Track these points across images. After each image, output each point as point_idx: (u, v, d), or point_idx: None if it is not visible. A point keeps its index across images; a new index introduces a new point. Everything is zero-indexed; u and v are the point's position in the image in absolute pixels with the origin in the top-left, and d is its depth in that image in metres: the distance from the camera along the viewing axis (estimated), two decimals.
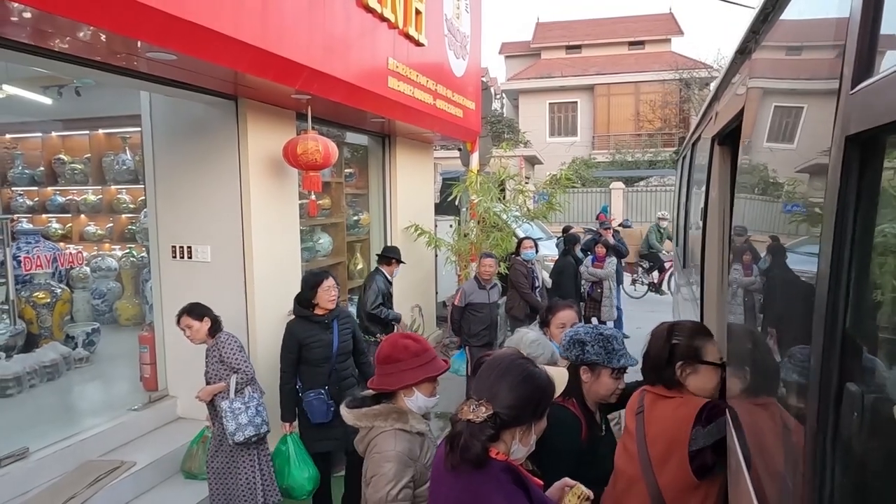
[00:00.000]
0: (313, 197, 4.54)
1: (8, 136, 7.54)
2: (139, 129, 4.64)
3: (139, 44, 2.87)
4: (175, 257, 4.45)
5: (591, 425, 2.11)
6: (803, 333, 0.95)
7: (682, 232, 4.66)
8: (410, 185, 7.10)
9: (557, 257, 7.57)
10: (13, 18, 2.48)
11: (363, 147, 6.70)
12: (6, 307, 3.71)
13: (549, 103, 26.40)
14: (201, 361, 3.52)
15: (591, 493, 1.64)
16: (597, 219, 12.25)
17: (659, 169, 22.34)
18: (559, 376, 1.86)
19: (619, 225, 12.93)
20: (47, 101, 6.55)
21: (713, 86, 2.98)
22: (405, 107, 5.31)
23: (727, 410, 1.75)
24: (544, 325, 2.99)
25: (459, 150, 8.45)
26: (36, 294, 5.17)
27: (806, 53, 1.25)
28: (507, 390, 1.51)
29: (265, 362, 4.19)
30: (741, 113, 1.87)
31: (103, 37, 2.78)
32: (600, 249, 7.53)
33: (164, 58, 3.11)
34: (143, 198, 5.35)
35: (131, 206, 7.05)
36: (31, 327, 5.09)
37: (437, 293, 8.08)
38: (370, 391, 2.12)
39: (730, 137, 2.37)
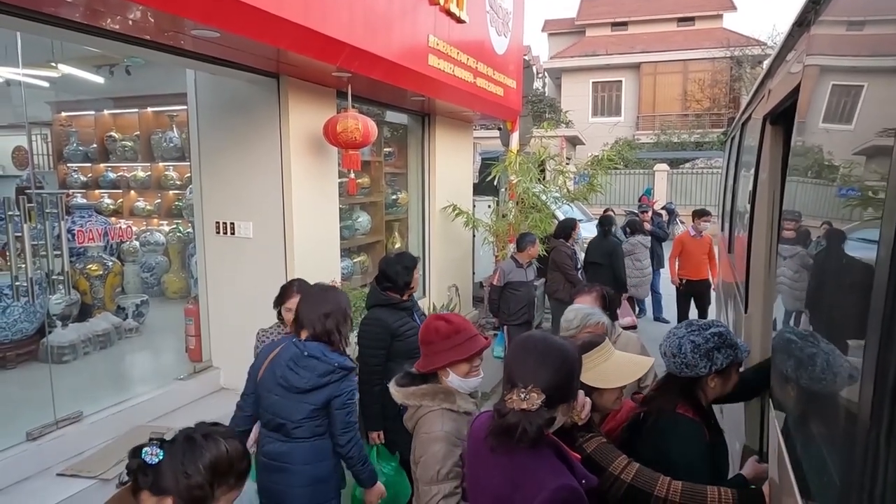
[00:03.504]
0: (352, 175, 4.56)
1: (64, 113, 7.81)
2: (185, 107, 4.74)
3: (184, 21, 2.92)
4: (219, 233, 4.56)
5: (711, 429, 1.96)
6: (860, 328, 0.89)
7: (728, 216, 4.51)
8: (449, 165, 7.07)
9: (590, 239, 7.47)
10: None
11: (403, 126, 6.69)
12: (62, 278, 3.87)
13: (593, 82, 25.79)
14: (243, 334, 3.61)
15: None
16: (639, 201, 11.99)
17: (706, 150, 21.63)
18: (641, 364, 1.93)
19: (662, 208, 12.61)
20: (100, 79, 6.76)
21: (767, 62, 2.84)
22: (445, 85, 5.27)
23: (775, 416, 1.67)
24: None
25: (499, 129, 8.35)
26: (89, 266, 5.40)
27: (871, 27, 1.17)
28: (551, 372, 1.50)
29: None
30: (796, 91, 1.78)
31: (151, 15, 2.84)
32: (647, 224, 7.64)
33: (208, 35, 3.16)
34: (189, 174, 5.49)
35: (178, 182, 7.25)
36: (85, 298, 5.33)
37: (473, 273, 8.08)
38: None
39: (783, 117, 2.26)
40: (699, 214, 7.24)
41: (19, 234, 3.65)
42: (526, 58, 8.60)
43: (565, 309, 2.73)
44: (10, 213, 3.62)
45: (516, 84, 7.25)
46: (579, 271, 6.26)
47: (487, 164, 8.09)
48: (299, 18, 3.29)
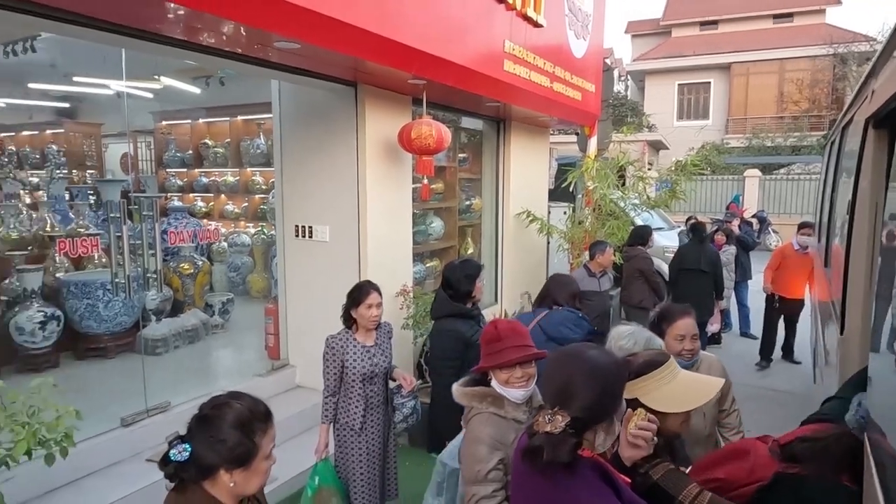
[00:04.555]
0: (426, 181, 4.61)
1: (164, 122, 8.42)
2: (271, 115, 4.98)
3: (269, 35, 3.06)
4: (297, 236, 4.74)
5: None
6: None
7: (826, 227, 4.17)
8: (524, 171, 7.00)
9: (678, 248, 7.14)
10: (170, 16, 2.74)
11: (477, 132, 6.69)
12: (156, 276, 4.15)
13: (679, 84, 24.75)
14: (317, 335, 3.71)
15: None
16: (726, 208, 11.37)
17: (804, 155, 20.17)
18: (711, 386, 1.76)
19: (753, 216, 11.88)
20: (196, 90, 7.23)
21: (872, 60, 2.60)
22: (521, 90, 5.22)
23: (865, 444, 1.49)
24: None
25: (577, 134, 8.18)
26: (181, 265, 5.77)
27: None
28: (579, 390, 1.43)
29: None
30: None
31: (241, 30, 3.00)
32: (720, 238, 7.22)
33: (290, 47, 3.29)
34: (274, 179, 5.76)
35: (264, 187, 7.63)
36: (176, 295, 5.70)
37: None
38: None
39: (887, 120, 2.06)
40: (804, 226, 6.40)
41: (121, 234, 3.97)
42: (606, 61, 8.39)
43: (646, 318, 2.57)
44: (112, 214, 3.92)
45: (595, 88, 7.07)
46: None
47: (564, 169, 7.94)
48: (376, 28, 3.36)
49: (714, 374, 2.28)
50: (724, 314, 7.70)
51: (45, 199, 6.49)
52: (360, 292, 2.98)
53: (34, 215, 5.75)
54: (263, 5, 2.73)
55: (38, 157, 8.72)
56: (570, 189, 7.28)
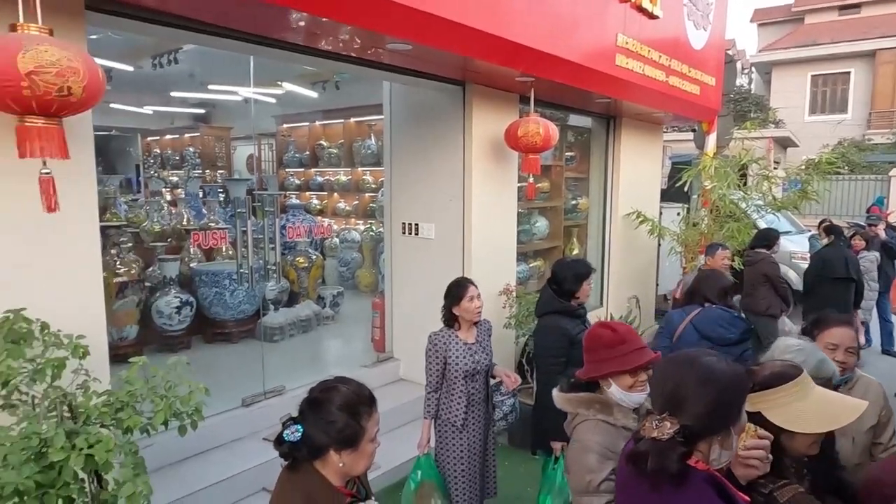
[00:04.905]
0: (531, 179, 4.55)
1: (285, 125, 9.00)
2: (381, 117, 5.16)
3: (383, 37, 3.16)
4: (404, 233, 4.88)
5: None
6: None
7: None
8: (635, 169, 6.71)
9: (811, 252, 6.53)
10: (293, 23, 2.92)
11: (586, 129, 6.52)
12: (275, 268, 4.45)
13: (812, 76, 22.59)
14: (420, 330, 3.79)
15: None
16: (867, 211, 10.24)
17: None
18: (851, 408, 1.58)
19: None
20: (313, 94, 7.65)
21: None
22: (633, 85, 5.01)
23: None
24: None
25: (693, 130, 7.72)
26: (297, 259, 6.14)
27: None
28: (690, 397, 1.34)
29: None
30: None
31: (356, 33, 3.13)
32: (857, 242, 6.48)
33: (402, 48, 3.39)
34: (383, 179, 5.97)
35: (373, 185, 7.93)
36: (293, 286, 6.08)
37: (657, 285, 7.57)
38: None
39: None
40: None
41: (246, 229, 4.30)
42: (729, 52, 7.84)
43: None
44: (239, 210, 4.25)
45: (716, 81, 6.63)
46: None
47: (678, 168, 7.53)
48: (485, 26, 3.37)
49: (872, 402, 2.02)
50: (865, 328, 6.93)
51: (183, 196, 7.18)
52: (460, 288, 3.00)
53: (173, 210, 6.38)
54: (378, 8, 2.83)
55: (177, 158, 9.64)
56: (685, 189, 6.88)
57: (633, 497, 1.46)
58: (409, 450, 3.74)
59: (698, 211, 6.82)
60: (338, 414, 1.53)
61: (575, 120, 6.25)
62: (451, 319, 3.02)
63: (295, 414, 1.62)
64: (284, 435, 1.53)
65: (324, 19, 2.80)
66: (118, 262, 4.94)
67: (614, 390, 1.92)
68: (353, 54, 3.60)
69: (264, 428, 3.89)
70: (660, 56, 5.28)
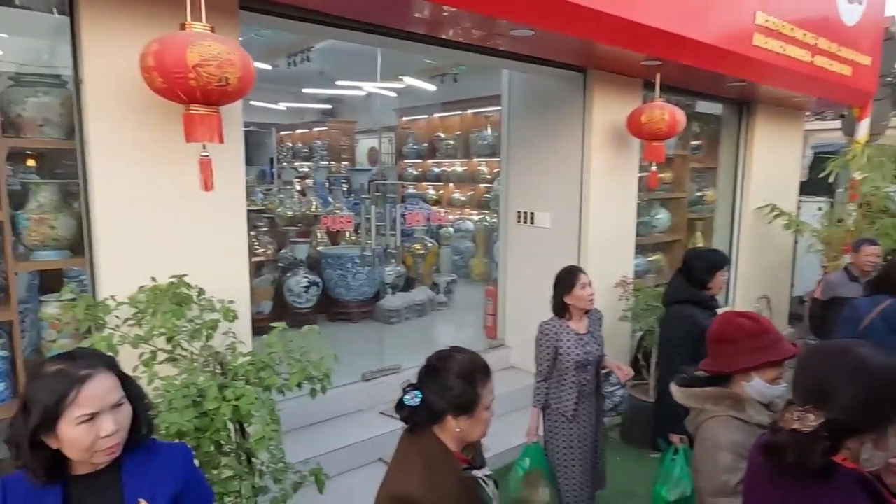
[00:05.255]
0: (654, 168, 4.38)
1: (404, 118, 9.33)
2: (499, 107, 5.20)
3: (504, 23, 3.19)
4: (519, 222, 4.89)
5: None
6: None
7: None
8: (770, 159, 6.21)
9: None
10: (416, 15, 3.03)
11: (715, 116, 6.12)
12: (395, 252, 4.66)
13: None
14: (532, 319, 3.79)
15: None
16: None
17: None
18: None
19: None
20: (432, 87, 7.86)
21: None
22: (772, 67, 4.62)
23: None
24: None
25: (842, 116, 6.97)
26: (414, 246, 6.37)
27: None
28: (839, 389, 1.23)
29: None
30: None
31: (478, 21, 3.19)
32: None
33: (523, 34, 3.39)
34: (498, 169, 6.01)
35: (488, 176, 8.01)
36: (409, 272, 6.32)
37: (792, 286, 6.95)
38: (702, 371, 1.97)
39: None
40: None
41: (368, 216, 4.54)
42: (890, 29, 6.97)
43: None
44: (364, 196, 4.49)
45: (871, 61, 5.94)
46: None
47: (822, 158, 6.84)
48: (610, 8, 3.28)
49: None
50: None
51: (311, 185, 7.70)
52: (571, 276, 2.97)
53: (303, 199, 6.87)
54: None
55: (306, 150, 10.33)
56: (830, 181, 6.25)
57: (766, 494, 1.38)
58: (516, 436, 3.77)
59: (844, 205, 6.17)
60: (454, 381, 1.59)
61: (703, 106, 5.90)
62: (561, 309, 2.99)
63: (415, 382, 1.70)
64: (404, 399, 1.62)
65: (450, 8, 2.88)
66: (256, 244, 5.42)
67: (756, 383, 1.80)
68: (475, 43, 3.66)
69: (381, 402, 4.10)
70: (804, 34, 4.82)
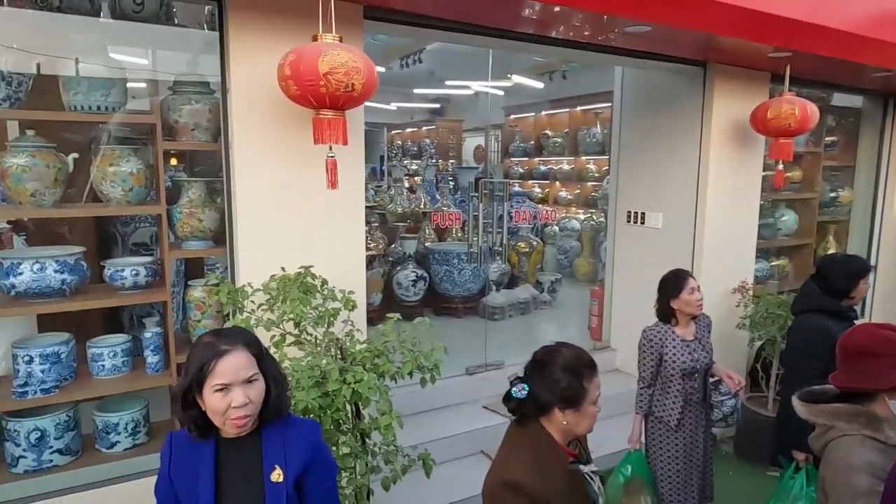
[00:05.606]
0: (780, 167, 4.09)
1: (511, 116, 9.35)
2: (609, 104, 5.09)
3: (619, 20, 3.14)
4: (629, 222, 4.76)
5: None
6: None
7: None
8: None
9: None
10: (526, 15, 3.07)
11: (854, 110, 5.59)
12: (500, 250, 4.72)
13: None
14: (640, 322, 3.69)
15: None
16: None
17: None
18: None
19: None
20: (540, 85, 7.82)
21: None
22: None
23: None
24: None
25: None
26: (519, 244, 6.40)
27: None
28: None
29: None
30: None
31: (590, 19, 3.16)
32: None
33: (639, 30, 3.31)
34: (607, 167, 5.88)
35: (596, 174, 7.85)
36: (513, 270, 6.36)
37: None
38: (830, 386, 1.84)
39: None
40: None
41: (476, 214, 4.64)
42: None
43: None
44: (472, 194, 4.60)
45: None
46: None
47: None
48: None
49: None
50: None
51: (420, 182, 7.95)
52: (679, 279, 2.86)
53: (411, 196, 7.11)
54: None
55: (415, 149, 10.65)
56: None
57: None
58: (618, 441, 3.70)
59: None
60: (561, 374, 1.63)
61: (839, 99, 5.41)
62: (667, 314, 2.88)
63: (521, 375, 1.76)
64: (512, 392, 1.67)
65: (562, 7, 2.88)
66: (368, 239, 5.70)
67: None
68: (586, 40, 3.62)
69: (485, 397, 4.18)
70: None
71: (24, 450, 2.56)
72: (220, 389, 1.39)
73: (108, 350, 2.75)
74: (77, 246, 2.75)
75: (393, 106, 10.45)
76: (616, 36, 3.53)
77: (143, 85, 2.92)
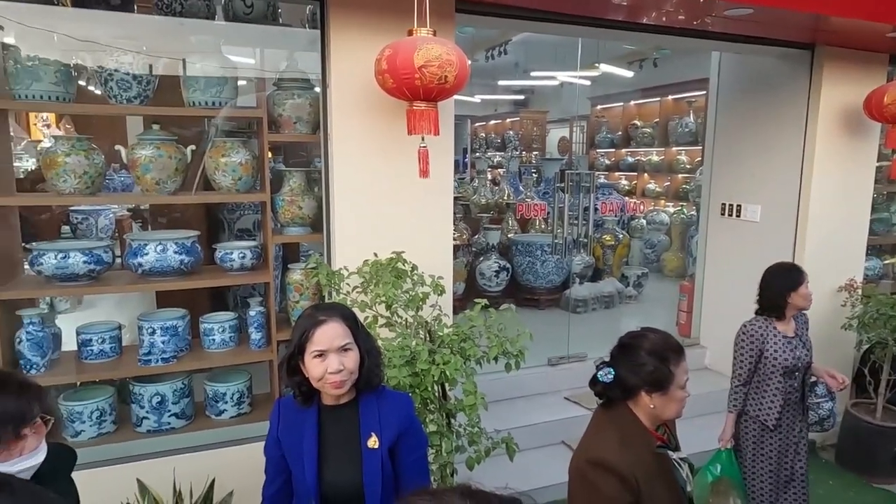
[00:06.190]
0: None
1: (598, 107, 9.15)
2: (704, 92, 4.89)
3: (718, 3, 3.02)
4: (723, 215, 4.56)
5: None
6: None
7: None
8: None
9: None
10: (616, 1, 3.02)
11: None
12: (585, 241, 4.67)
13: None
14: (734, 319, 3.55)
15: None
16: None
17: None
18: None
19: None
20: (629, 74, 7.61)
21: None
22: None
23: None
24: None
25: None
26: (604, 237, 6.29)
27: None
28: None
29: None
30: None
31: (686, 2, 3.06)
32: None
33: (740, 13, 3.17)
34: (700, 158, 5.65)
35: (687, 166, 7.54)
36: (597, 263, 6.26)
37: None
38: None
39: None
40: None
41: (561, 206, 4.62)
42: None
43: None
44: (558, 185, 4.58)
45: None
46: None
47: None
48: None
49: None
50: None
51: (504, 174, 7.97)
52: (798, 273, 2.74)
53: (494, 187, 7.15)
54: None
55: (499, 141, 10.67)
56: None
57: None
58: (705, 440, 3.58)
59: None
60: (647, 358, 1.63)
61: None
62: (779, 307, 2.74)
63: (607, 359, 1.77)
64: (598, 376, 1.70)
65: None
66: (453, 229, 5.81)
67: None
68: (681, 26, 3.49)
69: (566, 388, 4.18)
70: None
71: (147, 412, 2.86)
72: (318, 355, 1.51)
73: (217, 325, 3.01)
74: (192, 230, 3.02)
75: (477, 98, 10.51)
76: (714, 20, 3.39)
77: (246, 82, 3.14)
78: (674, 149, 7.76)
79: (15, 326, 2.71)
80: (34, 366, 2.66)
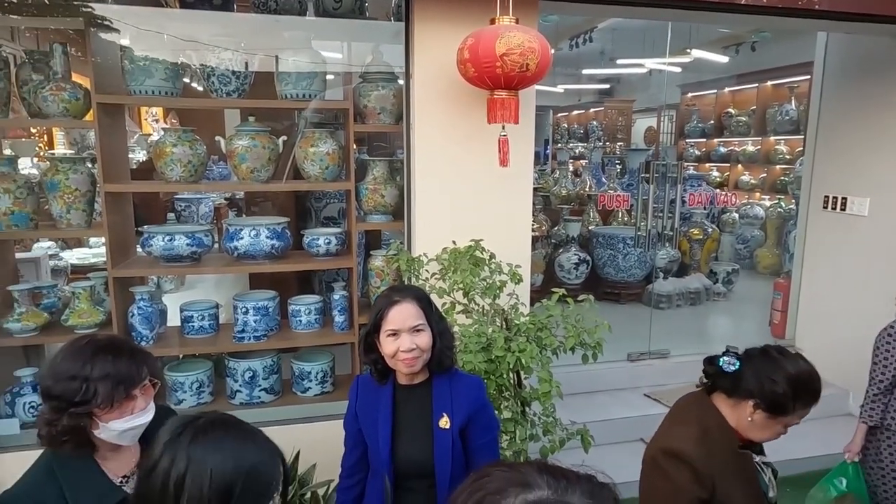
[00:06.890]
0: None
1: (689, 95, 8.73)
2: (807, 77, 4.55)
3: None
4: (826, 208, 4.25)
5: None
6: None
7: None
8: None
9: None
10: None
11: None
12: (671, 234, 4.50)
13: None
14: (836, 319, 3.32)
15: None
16: None
17: None
18: None
19: None
20: (724, 59, 7.21)
21: None
22: None
23: None
24: None
25: None
26: (692, 230, 6.02)
27: None
28: None
29: None
30: None
31: None
32: None
33: None
34: (801, 148, 5.27)
35: (787, 157, 7.06)
36: (683, 257, 6.00)
37: None
38: None
39: None
40: None
41: (646, 197, 4.47)
42: None
43: None
44: (644, 175, 4.44)
45: None
46: None
47: None
48: None
49: None
50: None
51: (586, 165, 7.80)
52: None
53: (576, 178, 7.02)
54: None
55: (581, 131, 10.44)
56: None
57: None
58: (810, 446, 3.39)
59: None
60: (783, 380, 1.52)
61: None
62: None
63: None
64: (720, 360, 1.59)
65: None
66: (532, 219, 5.76)
67: None
68: (784, 5, 3.26)
69: (646, 385, 4.06)
70: None
71: (240, 385, 3.07)
72: (392, 334, 1.57)
73: (304, 307, 3.17)
74: (283, 217, 3.19)
75: (559, 88, 10.31)
76: None
77: (333, 76, 3.26)
78: (772, 138, 7.28)
79: (128, 302, 2.98)
80: (143, 338, 2.92)
